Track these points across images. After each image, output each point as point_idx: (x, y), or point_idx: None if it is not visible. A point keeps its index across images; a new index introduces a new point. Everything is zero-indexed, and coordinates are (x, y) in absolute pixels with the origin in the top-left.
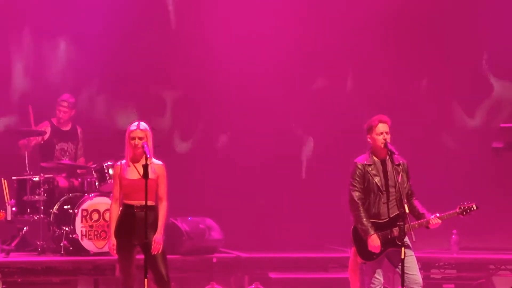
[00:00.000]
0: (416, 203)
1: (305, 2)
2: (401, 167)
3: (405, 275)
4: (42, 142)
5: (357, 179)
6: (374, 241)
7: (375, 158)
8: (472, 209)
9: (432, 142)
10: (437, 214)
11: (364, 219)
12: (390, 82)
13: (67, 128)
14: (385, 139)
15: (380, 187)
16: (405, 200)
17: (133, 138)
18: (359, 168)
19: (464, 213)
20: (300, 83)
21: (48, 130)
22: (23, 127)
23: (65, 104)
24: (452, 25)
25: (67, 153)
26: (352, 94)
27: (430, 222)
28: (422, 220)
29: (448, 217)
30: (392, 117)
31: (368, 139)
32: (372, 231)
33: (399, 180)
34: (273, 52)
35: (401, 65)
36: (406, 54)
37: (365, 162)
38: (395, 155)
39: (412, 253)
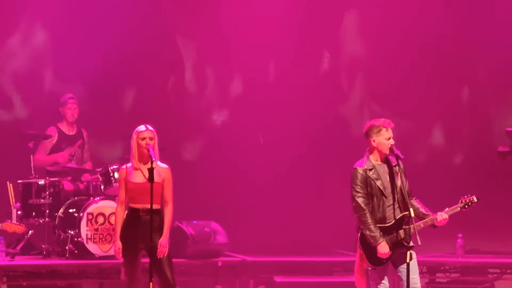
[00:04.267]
0: (417, 202)
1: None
2: (398, 168)
3: (405, 277)
4: (50, 147)
5: (360, 184)
6: (383, 248)
7: (374, 161)
8: (473, 201)
9: (436, 144)
10: (446, 209)
11: (372, 226)
12: (393, 83)
13: (73, 132)
14: (392, 144)
15: (383, 191)
16: (408, 202)
17: (144, 139)
18: (360, 173)
19: (466, 206)
20: (305, 86)
21: (56, 135)
22: (30, 130)
23: (73, 101)
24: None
25: (75, 157)
26: (356, 97)
27: (437, 218)
28: (428, 218)
29: (451, 212)
30: (393, 119)
31: (372, 142)
32: (381, 238)
33: (400, 181)
34: (282, 64)
35: (406, 66)
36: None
37: (365, 167)
38: (393, 157)
39: (415, 256)
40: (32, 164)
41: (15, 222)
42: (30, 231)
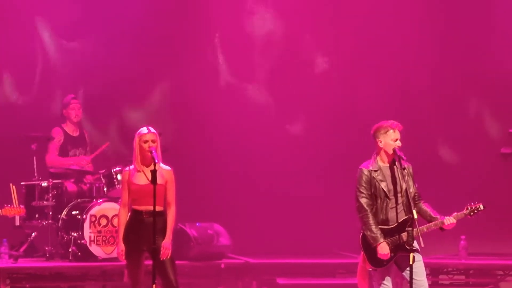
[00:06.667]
0: (426, 205)
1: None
2: (406, 171)
3: (412, 280)
4: (58, 146)
5: (364, 185)
6: (383, 249)
7: (380, 163)
8: (479, 209)
9: (439, 147)
10: (454, 214)
11: (373, 227)
12: (396, 84)
13: (76, 133)
14: (398, 146)
15: (387, 193)
16: (413, 205)
17: (146, 141)
18: (365, 174)
19: (472, 213)
20: (308, 90)
21: (62, 137)
22: (32, 132)
23: (75, 101)
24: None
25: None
26: (359, 99)
27: (445, 222)
28: (433, 223)
29: (457, 218)
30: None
31: (379, 143)
32: (381, 239)
33: (405, 184)
34: (284, 60)
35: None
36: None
37: (371, 168)
38: (402, 161)
39: (420, 258)
40: (35, 166)
41: (14, 206)
42: (33, 233)
